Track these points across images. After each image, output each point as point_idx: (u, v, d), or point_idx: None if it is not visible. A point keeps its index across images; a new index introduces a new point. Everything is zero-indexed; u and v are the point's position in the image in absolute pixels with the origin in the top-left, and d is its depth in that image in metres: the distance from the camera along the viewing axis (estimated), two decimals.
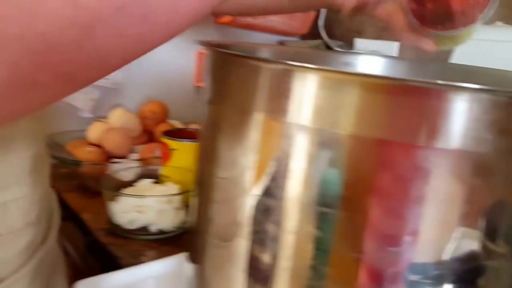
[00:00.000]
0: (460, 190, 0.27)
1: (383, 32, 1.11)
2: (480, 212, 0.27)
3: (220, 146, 0.34)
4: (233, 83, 0.31)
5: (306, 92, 0.28)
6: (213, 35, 1.11)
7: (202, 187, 0.38)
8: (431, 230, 0.27)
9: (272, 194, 0.30)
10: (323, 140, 0.28)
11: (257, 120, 0.30)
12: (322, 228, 0.29)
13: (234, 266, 0.33)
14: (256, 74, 0.29)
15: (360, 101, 0.27)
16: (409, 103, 0.26)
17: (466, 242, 0.27)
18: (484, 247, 0.28)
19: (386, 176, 0.27)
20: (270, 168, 0.30)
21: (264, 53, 0.49)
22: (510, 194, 0.27)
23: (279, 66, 0.29)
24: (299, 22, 1.11)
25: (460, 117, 0.25)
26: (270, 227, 0.31)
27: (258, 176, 0.31)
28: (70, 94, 0.28)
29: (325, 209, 0.28)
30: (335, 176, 0.28)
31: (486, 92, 0.24)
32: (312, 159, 0.28)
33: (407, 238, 0.27)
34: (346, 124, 0.27)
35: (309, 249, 0.29)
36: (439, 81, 0.24)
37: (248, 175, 0.31)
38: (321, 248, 0.29)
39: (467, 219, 0.27)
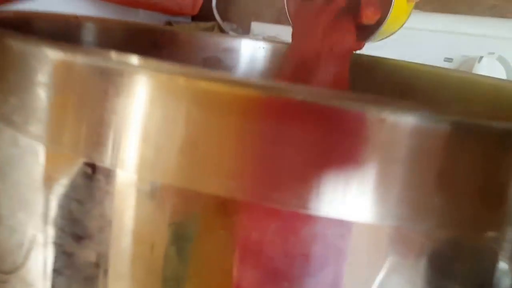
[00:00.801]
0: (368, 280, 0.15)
1: (283, 15, 1.01)
2: None
3: None
4: None
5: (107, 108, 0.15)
6: (86, 12, 0.94)
7: None
8: None
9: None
10: (152, 198, 0.15)
11: (27, 148, 0.17)
12: None
13: None
14: (10, 64, 0.16)
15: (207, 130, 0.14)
16: (281, 134, 0.14)
17: None
18: None
19: (250, 262, 0.15)
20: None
21: (90, 31, 0.34)
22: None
23: (48, 52, 0.15)
24: (189, 0, 0.97)
25: (371, 159, 0.13)
26: None
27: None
28: None
29: None
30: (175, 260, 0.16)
31: (414, 113, 0.12)
32: (136, 228, 0.16)
33: None
34: (187, 172, 0.14)
35: None
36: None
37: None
38: None
39: None
